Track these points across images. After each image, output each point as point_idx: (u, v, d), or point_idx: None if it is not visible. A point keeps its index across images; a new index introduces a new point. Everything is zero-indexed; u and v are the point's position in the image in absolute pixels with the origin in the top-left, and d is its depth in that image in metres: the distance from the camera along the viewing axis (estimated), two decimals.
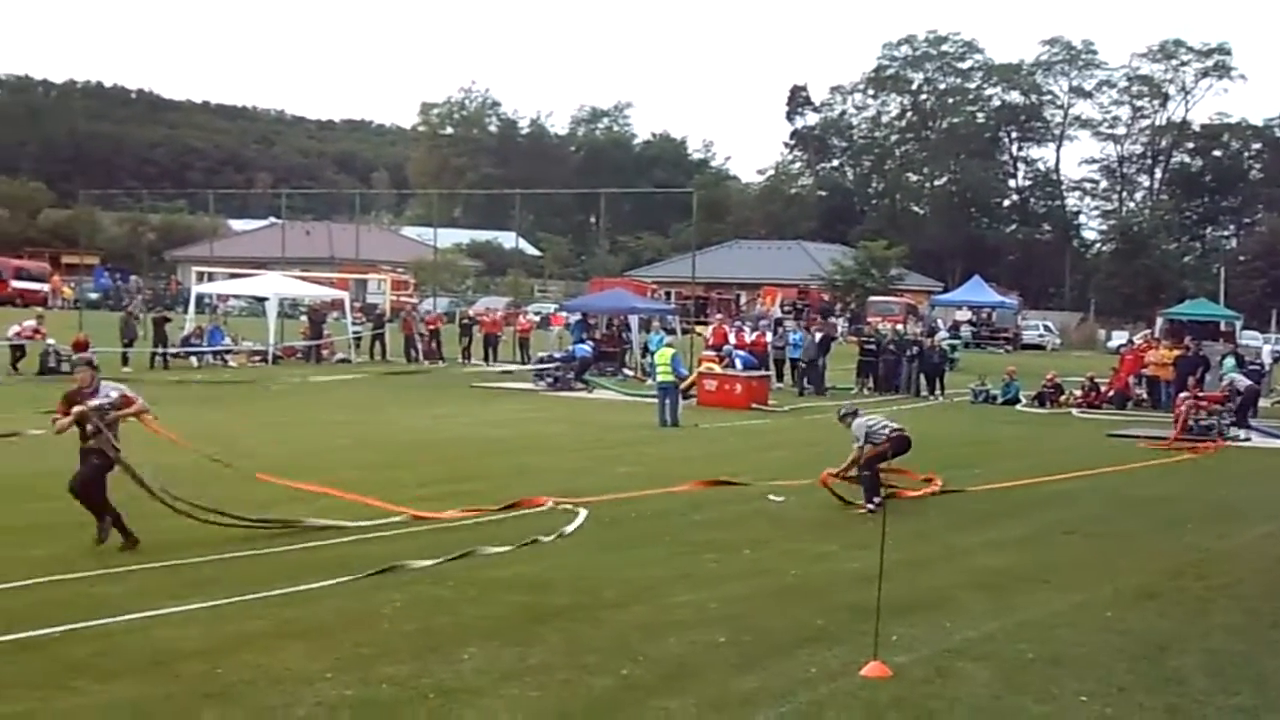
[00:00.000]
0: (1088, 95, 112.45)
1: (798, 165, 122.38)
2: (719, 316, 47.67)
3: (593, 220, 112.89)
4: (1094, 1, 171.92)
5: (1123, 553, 13.26)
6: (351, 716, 7.46)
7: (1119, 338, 62.91)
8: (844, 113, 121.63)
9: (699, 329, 44.02)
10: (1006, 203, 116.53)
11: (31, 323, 33.52)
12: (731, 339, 35.13)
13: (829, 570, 11.90)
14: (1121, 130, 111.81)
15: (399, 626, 9.37)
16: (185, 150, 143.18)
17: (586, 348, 35.15)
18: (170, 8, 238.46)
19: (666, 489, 16.16)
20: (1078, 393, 32.55)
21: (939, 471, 17.53)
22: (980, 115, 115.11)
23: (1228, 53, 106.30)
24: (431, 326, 42.83)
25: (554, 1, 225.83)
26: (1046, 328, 71.52)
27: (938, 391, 33.92)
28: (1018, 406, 32.19)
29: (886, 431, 15.13)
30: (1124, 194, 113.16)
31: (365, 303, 58.75)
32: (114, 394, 11.57)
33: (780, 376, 34.37)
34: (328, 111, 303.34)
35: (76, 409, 11.31)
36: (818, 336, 34.70)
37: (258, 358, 38.55)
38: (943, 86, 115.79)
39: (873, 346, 35.68)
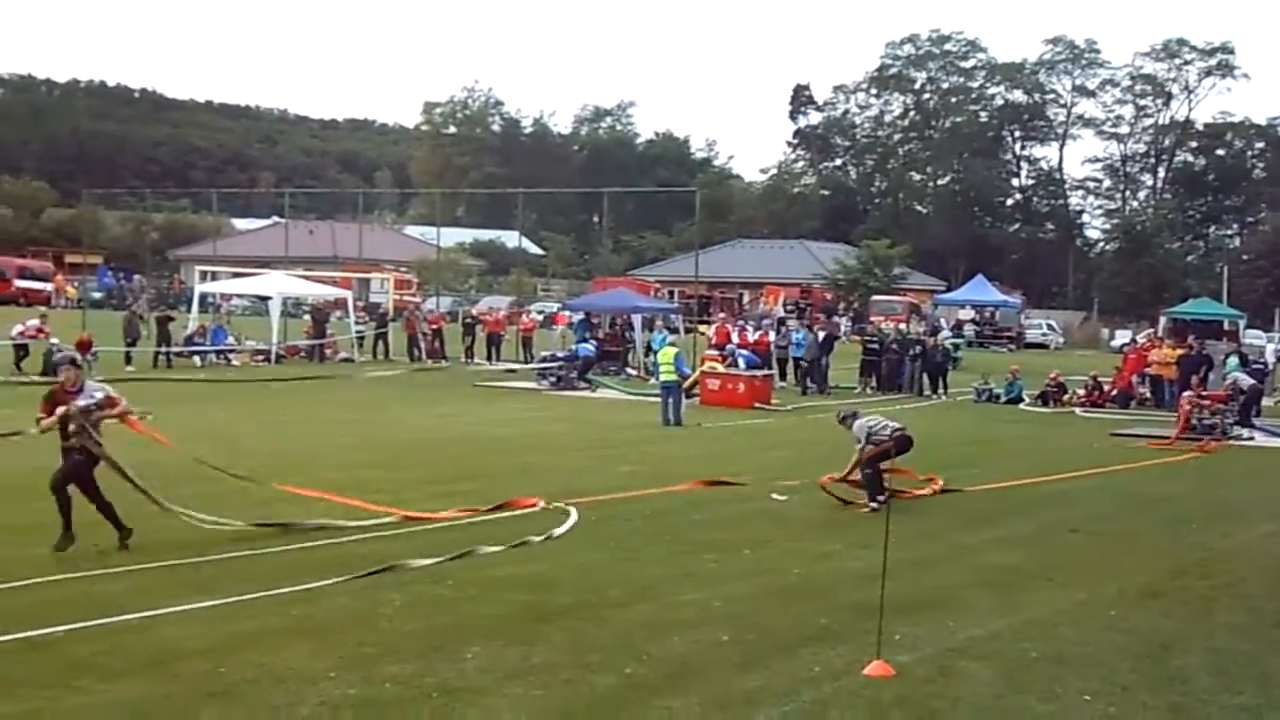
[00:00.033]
0: (1091, 94, 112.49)
1: (801, 164, 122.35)
2: (722, 316, 47.62)
3: (596, 219, 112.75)
4: (1097, 1, 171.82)
5: (1126, 551, 13.25)
6: (355, 716, 7.46)
7: (1122, 337, 62.92)
8: (847, 112, 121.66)
9: (702, 328, 44.01)
10: (1010, 202, 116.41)
11: (35, 322, 33.54)
12: (734, 338, 35.11)
13: (832, 569, 11.90)
14: (1125, 129, 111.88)
15: (402, 626, 9.37)
16: (189, 149, 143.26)
17: (590, 347, 35.16)
18: (174, 7, 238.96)
19: (665, 488, 16.14)
20: (1081, 392, 32.54)
21: (942, 470, 17.52)
22: (983, 114, 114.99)
23: (1231, 52, 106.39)
24: (434, 326, 42.86)
25: (557, 1, 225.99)
26: (1050, 327, 71.48)
27: (941, 391, 33.91)
28: (1021, 406, 32.17)
29: (888, 432, 15.11)
30: (1127, 193, 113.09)
31: (369, 302, 58.82)
32: (99, 395, 11.45)
33: (783, 376, 34.37)
34: (331, 111, 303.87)
35: (61, 409, 11.21)
36: (821, 336, 34.69)
37: (261, 357, 38.58)
38: (946, 85, 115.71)
39: (876, 346, 35.67)
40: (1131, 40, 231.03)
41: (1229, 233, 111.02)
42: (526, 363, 38.81)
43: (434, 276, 67.47)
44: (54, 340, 32.12)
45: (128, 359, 34.84)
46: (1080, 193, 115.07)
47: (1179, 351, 31.64)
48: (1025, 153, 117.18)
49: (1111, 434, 25.35)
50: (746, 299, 76.50)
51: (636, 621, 9.70)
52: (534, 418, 25.68)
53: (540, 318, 50.91)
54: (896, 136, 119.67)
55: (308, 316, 45.02)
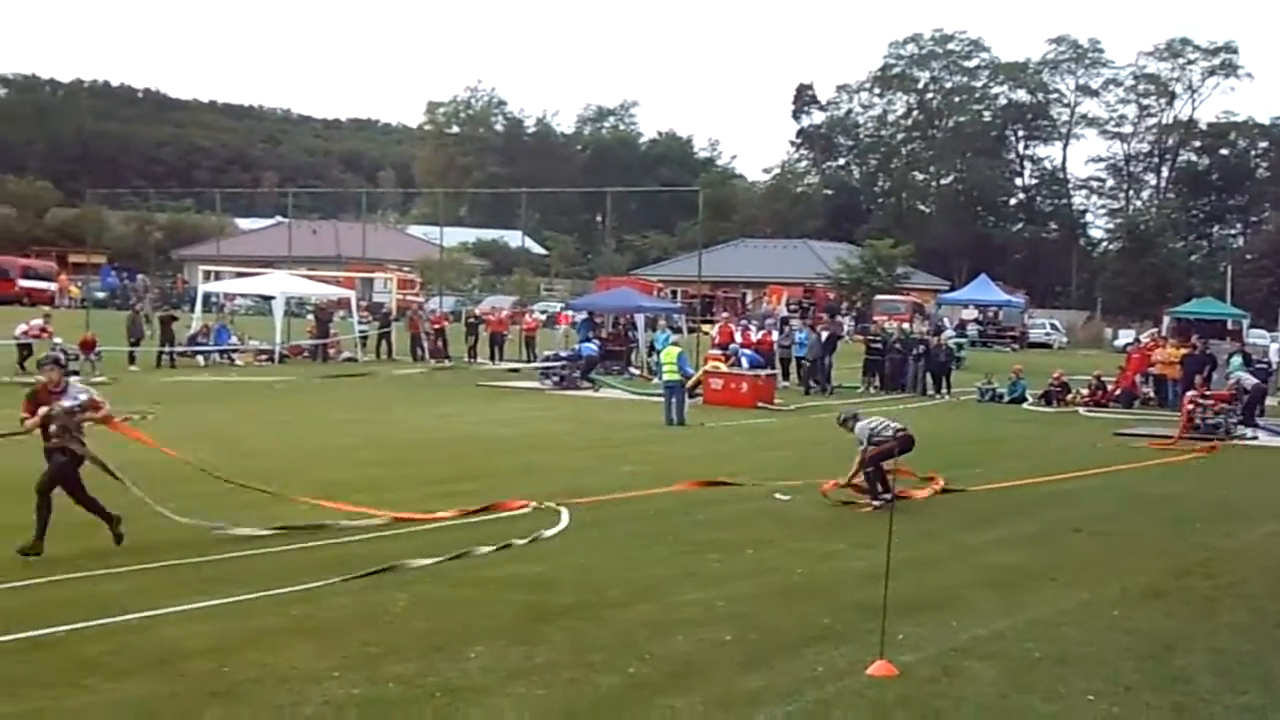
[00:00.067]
0: (1094, 94, 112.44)
1: (804, 164, 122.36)
2: (725, 315, 47.57)
3: (599, 219, 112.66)
4: (1100, 0, 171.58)
5: (1130, 551, 13.24)
6: (358, 715, 7.47)
7: (1126, 336, 62.84)
8: (850, 111, 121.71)
9: (705, 328, 44.03)
10: (1013, 201, 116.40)
11: (39, 321, 33.58)
12: (737, 338, 35.10)
13: (835, 569, 11.90)
14: (1128, 129, 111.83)
15: (405, 625, 9.38)
16: (192, 149, 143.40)
17: (592, 346, 35.18)
18: (177, 7, 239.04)
19: (662, 489, 16.09)
20: (1084, 391, 32.52)
21: (946, 470, 17.52)
22: (987, 114, 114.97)
23: (1234, 51, 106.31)
24: (436, 325, 42.89)
25: (560, 1, 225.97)
26: (1053, 326, 71.43)
27: (944, 390, 33.89)
28: (1024, 405, 32.15)
29: (890, 432, 15.11)
30: (1130, 192, 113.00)
31: (372, 302, 58.85)
32: (83, 396, 11.36)
33: (786, 375, 34.37)
34: (334, 110, 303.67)
35: (43, 410, 11.14)
36: (823, 335, 34.69)
37: (264, 357, 38.61)
38: (949, 85, 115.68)
39: (879, 345, 35.66)
40: (1135, 40, 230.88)
41: (1232, 232, 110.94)
42: (529, 362, 38.84)
43: (437, 276, 67.48)
44: (57, 340, 32.19)
45: (131, 359, 34.90)
46: (1084, 192, 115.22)
47: (1183, 351, 31.62)
48: (1029, 152, 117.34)
49: (1115, 434, 25.32)
50: (749, 298, 76.48)
51: (639, 621, 9.70)
52: (537, 417, 25.68)
53: (543, 317, 50.93)
54: (900, 136, 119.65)
55: (311, 316, 45.05)
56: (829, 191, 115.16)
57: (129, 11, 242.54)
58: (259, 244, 78.95)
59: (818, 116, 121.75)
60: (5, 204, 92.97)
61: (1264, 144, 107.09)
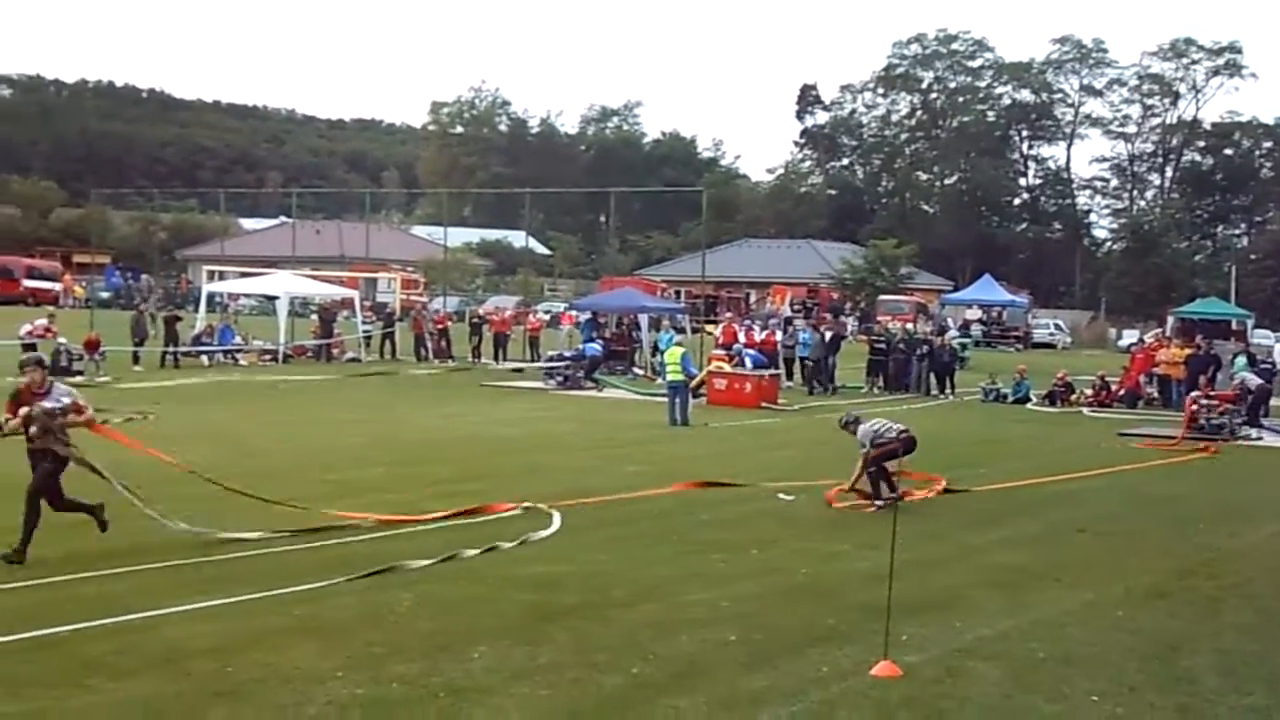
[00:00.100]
0: (1098, 94, 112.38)
1: (808, 164, 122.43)
2: (729, 315, 47.54)
3: (602, 219, 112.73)
4: (1104, 0, 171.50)
5: (1134, 551, 13.23)
6: (362, 715, 7.47)
7: (1130, 336, 62.64)
8: (854, 111, 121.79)
9: (709, 328, 43.99)
10: (1017, 201, 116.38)
11: (43, 321, 33.62)
12: (741, 338, 35.08)
13: (839, 570, 11.89)
14: (1132, 129, 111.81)
15: (409, 625, 9.39)
16: (196, 149, 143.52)
17: (596, 346, 35.17)
18: (181, 7, 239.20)
19: (659, 490, 16.08)
20: (1088, 391, 32.49)
21: (949, 470, 17.51)
22: (990, 114, 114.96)
23: (1239, 51, 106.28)
24: (440, 325, 42.87)
25: (564, 1, 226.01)
26: (1057, 326, 71.37)
27: (948, 390, 33.87)
28: (1028, 405, 32.11)
29: (893, 434, 15.10)
30: (1135, 192, 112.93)
31: (375, 302, 58.83)
32: (65, 400, 11.23)
33: (790, 375, 34.35)
34: (338, 111, 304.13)
35: (24, 411, 11.06)
36: (828, 335, 34.67)
37: (268, 357, 38.63)
38: (953, 85, 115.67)
39: (883, 345, 35.62)
40: (1139, 40, 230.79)
41: (1237, 232, 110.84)
42: (533, 362, 38.85)
43: (441, 276, 67.49)
44: (62, 340, 32.24)
45: (135, 359, 34.93)
46: (1087, 192, 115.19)
47: (1187, 351, 31.59)
48: (1032, 152, 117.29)
49: (1119, 434, 25.29)
50: (753, 298, 76.49)
51: (643, 621, 9.70)
52: (541, 417, 25.68)
53: (547, 317, 50.91)
54: (903, 136, 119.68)
55: (315, 316, 45.05)
56: (833, 191, 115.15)
57: (133, 12, 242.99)
58: (263, 244, 78.98)
59: (821, 116, 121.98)
60: (10, 204, 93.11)
61: (1268, 144, 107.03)
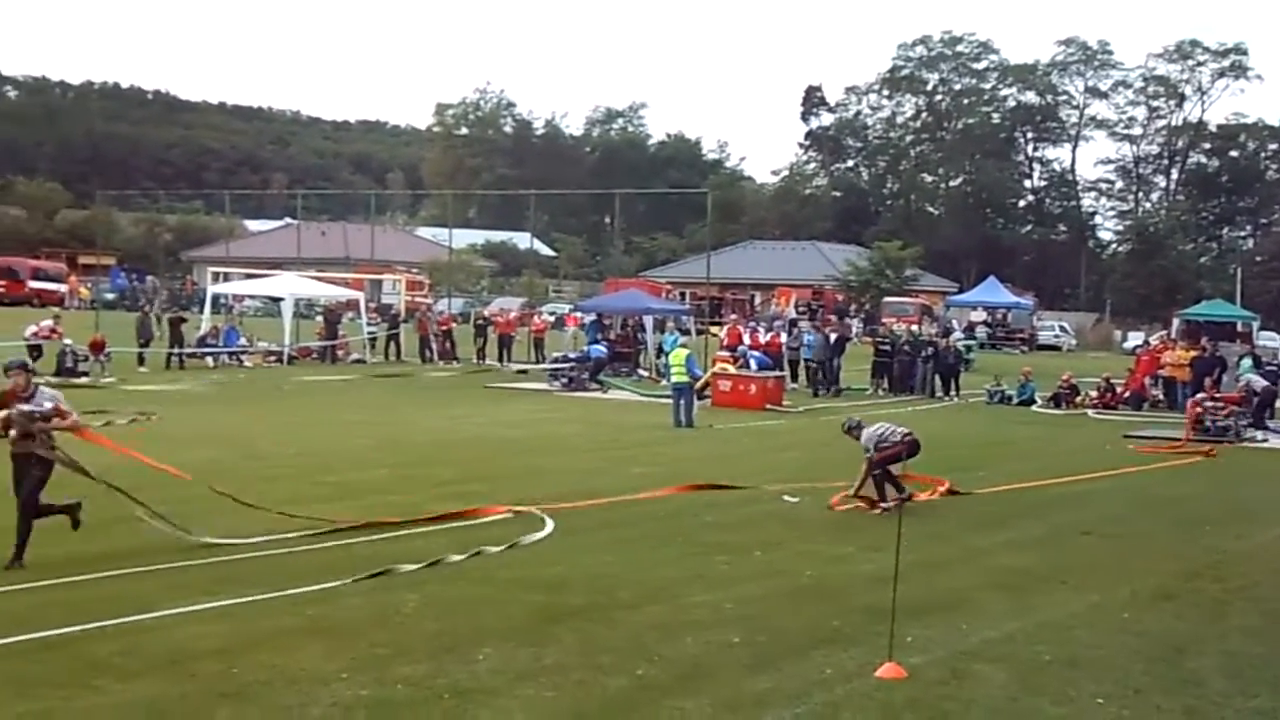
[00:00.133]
0: (1103, 96, 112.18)
1: (812, 166, 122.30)
2: (733, 317, 47.63)
3: (607, 221, 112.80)
4: (1110, 2, 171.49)
5: (1139, 554, 13.22)
6: (367, 716, 7.47)
7: (1135, 338, 62.71)
8: (859, 113, 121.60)
9: (713, 329, 44.00)
10: (1022, 203, 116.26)
11: (49, 323, 33.67)
12: (746, 339, 35.10)
13: (844, 572, 11.88)
14: (1137, 131, 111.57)
15: (415, 626, 9.39)
16: (201, 151, 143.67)
17: (601, 348, 35.16)
18: (186, 9, 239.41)
19: (667, 490, 16.11)
20: (1093, 394, 32.46)
21: (955, 472, 17.49)
22: (995, 116, 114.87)
23: (1244, 53, 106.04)
24: (444, 327, 42.89)
25: (569, 2, 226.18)
26: (1062, 328, 71.28)
27: (953, 392, 33.84)
28: (1033, 407, 32.09)
29: (896, 437, 15.10)
30: (1140, 194, 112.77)
31: (380, 303, 58.86)
32: (48, 404, 11.11)
33: (795, 377, 34.33)
34: (343, 112, 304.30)
35: (2, 413, 11.00)
36: (832, 337, 34.65)
37: (273, 358, 38.66)
38: (958, 87, 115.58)
39: (887, 347, 35.61)
40: (1144, 41, 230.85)
41: (1242, 234, 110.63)
42: (538, 364, 38.84)
43: (446, 278, 67.55)
44: (67, 341, 32.29)
45: (140, 360, 34.97)
46: (1093, 194, 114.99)
47: (1192, 353, 31.54)
48: (1037, 154, 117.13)
49: (1124, 436, 25.26)
50: (758, 300, 76.48)
51: (648, 623, 9.70)
52: (546, 419, 25.68)
53: (552, 319, 50.94)
54: (908, 138, 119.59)
55: (320, 318, 45.09)
56: (837, 193, 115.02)
57: (138, 13, 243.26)
58: (268, 245, 79.11)
59: (826, 118, 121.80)
60: (15, 205, 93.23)
61: (1274, 146, 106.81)
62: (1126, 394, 32.44)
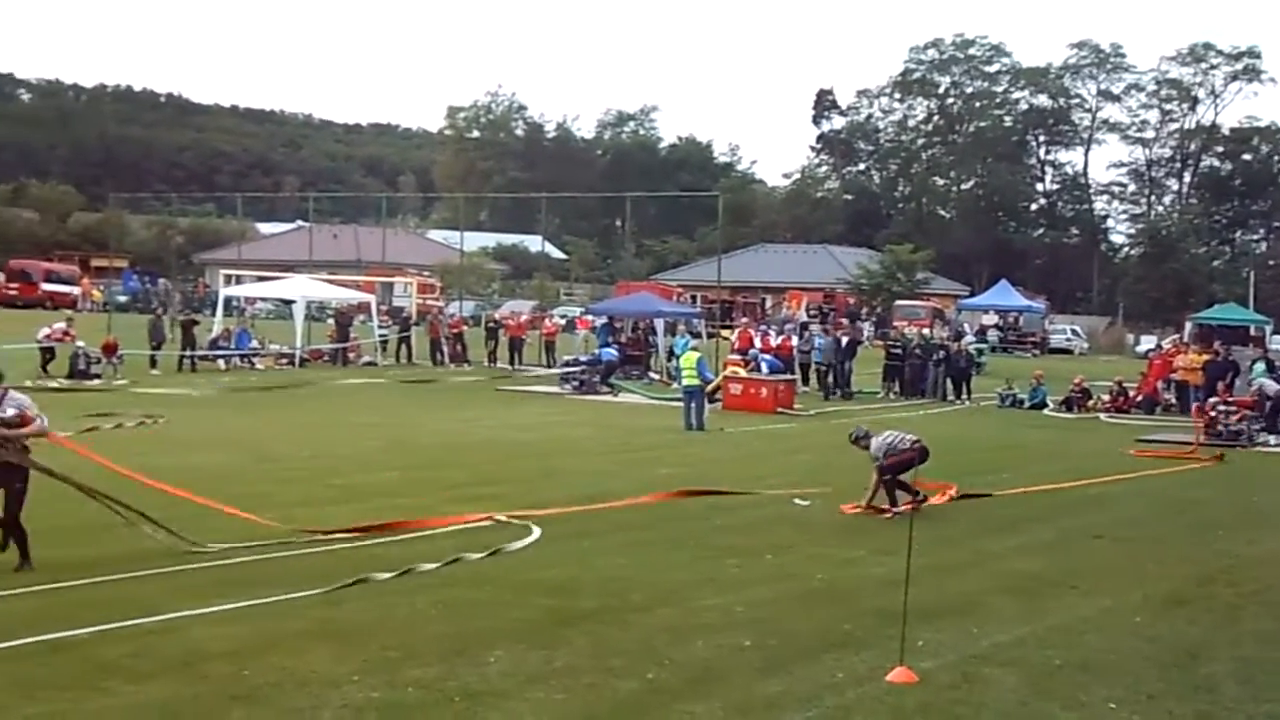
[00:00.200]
0: (1116, 99, 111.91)
1: (824, 169, 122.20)
2: (744, 320, 47.57)
3: (618, 224, 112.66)
4: (1122, 5, 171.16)
5: (1152, 558, 13.17)
6: (378, 719, 7.47)
7: (1147, 342, 62.49)
8: (870, 116, 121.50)
9: (724, 333, 43.97)
10: (1034, 206, 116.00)
11: (61, 325, 33.73)
12: (757, 343, 35.07)
13: (855, 575, 11.86)
14: (1150, 134, 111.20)
15: (426, 629, 9.39)
16: (213, 154, 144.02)
17: (612, 351, 35.20)
18: (199, 12, 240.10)
19: (665, 495, 16.11)
20: (1106, 397, 32.38)
21: (966, 476, 17.46)
22: (1007, 119, 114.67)
23: (1258, 56, 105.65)
24: (455, 329, 42.92)
25: (580, 5, 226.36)
26: (1074, 332, 71.13)
27: (964, 396, 33.80)
28: (1045, 411, 32.03)
29: (906, 445, 15.07)
30: (1152, 198, 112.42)
31: (392, 306, 58.92)
32: (10, 411, 10.84)
33: (806, 380, 34.30)
34: (355, 115, 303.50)
35: None
36: (843, 341, 34.62)
37: (285, 361, 38.72)
38: (970, 90, 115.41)
39: (899, 351, 35.58)
40: (1157, 44, 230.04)
41: (1255, 238, 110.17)
42: (549, 367, 38.85)
43: (457, 281, 67.54)
44: (80, 343, 32.38)
45: (153, 362, 35.05)
46: (1105, 197, 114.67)
47: (1205, 357, 31.45)
48: (1050, 157, 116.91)
49: (1137, 440, 25.17)
50: (769, 304, 76.37)
51: (659, 626, 9.68)
52: (557, 422, 25.69)
53: (563, 322, 50.92)
54: (920, 141, 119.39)
55: (331, 320, 45.15)
56: (849, 197, 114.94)
57: (151, 17, 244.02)
58: (280, 248, 79.19)
59: (838, 121, 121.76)
60: (29, 208, 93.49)
61: None
62: (1139, 398, 32.37)
